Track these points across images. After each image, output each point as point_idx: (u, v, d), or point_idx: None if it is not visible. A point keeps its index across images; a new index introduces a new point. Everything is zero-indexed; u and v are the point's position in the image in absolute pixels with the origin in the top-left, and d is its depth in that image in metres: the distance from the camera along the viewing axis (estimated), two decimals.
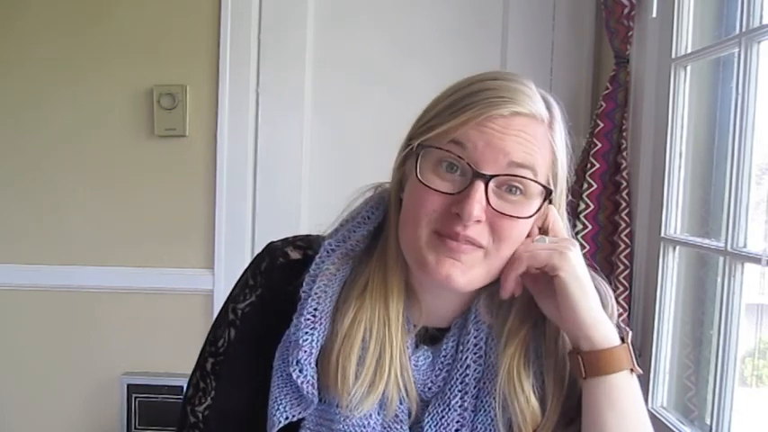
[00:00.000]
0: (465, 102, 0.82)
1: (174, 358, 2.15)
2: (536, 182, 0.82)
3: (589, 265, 0.91)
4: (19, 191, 2.29)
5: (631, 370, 0.84)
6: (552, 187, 0.85)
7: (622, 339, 0.84)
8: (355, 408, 0.84)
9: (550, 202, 0.86)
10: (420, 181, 0.82)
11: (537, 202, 0.83)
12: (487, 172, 0.80)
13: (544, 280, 0.85)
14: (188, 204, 2.27)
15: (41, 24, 2.24)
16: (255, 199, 2.29)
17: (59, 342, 2.29)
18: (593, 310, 0.83)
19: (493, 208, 0.81)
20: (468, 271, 0.82)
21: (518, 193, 0.82)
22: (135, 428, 2.22)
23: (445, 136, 0.81)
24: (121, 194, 2.27)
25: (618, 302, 0.88)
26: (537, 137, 0.82)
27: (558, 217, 0.87)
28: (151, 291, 2.27)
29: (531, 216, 0.83)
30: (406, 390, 0.86)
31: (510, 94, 0.82)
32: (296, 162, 2.29)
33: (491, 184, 0.80)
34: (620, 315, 1.06)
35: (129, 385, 2.21)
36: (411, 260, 0.85)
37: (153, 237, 2.27)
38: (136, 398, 2.20)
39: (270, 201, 2.28)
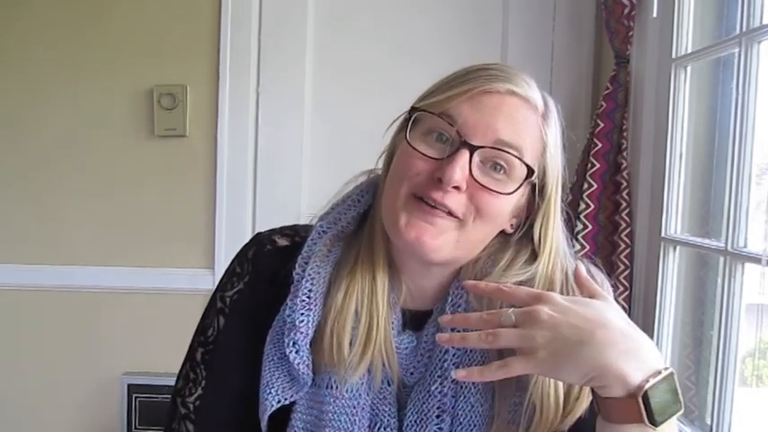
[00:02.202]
0: (463, 78, 0.85)
1: (174, 358, 2.12)
2: (521, 160, 0.83)
3: (592, 263, 0.91)
4: (19, 191, 2.28)
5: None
6: (538, 174, 0.85)
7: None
8: (349, 376, 0.85)
9: (540, 192, 0.86)
10: (408, 143, 0.83)
11: (523, 187, 0.85)
12: (474, 143, 0.81)
13: None
14: (188, 204, 2.27)
15: (42, 25, 2.24)
16: (255, 199, 2.28)
17: (60, 342, 2.29)
18: (609, 357, 0.74)
19: (475, 179, 0.82)
20: (438, 235, 0.82)
21: (502, 171, 0.83)
22: (135, 428, 2.22)
23: (439, 106, 0.83)
24: (122, 194, 2.27)
25: (618, 302, 0.85)
26: (528, 121, 0.84)
27: (589, 281, 0.83)
28: (152, 291, 2.27)
29: (511, 192, 0.83)
30: (389, 362, 0.86)
31: (508, 76, 0.84)
32: (296, 162, 2.29)
33: (476, 156, 0.81)
34: None
35: (129, 385, 2.21)
36: (386, 222, 0.86)
37: (153, 237, 2.27)
38: (136, 398, 2.20)
39: (270, 201, 2.28)
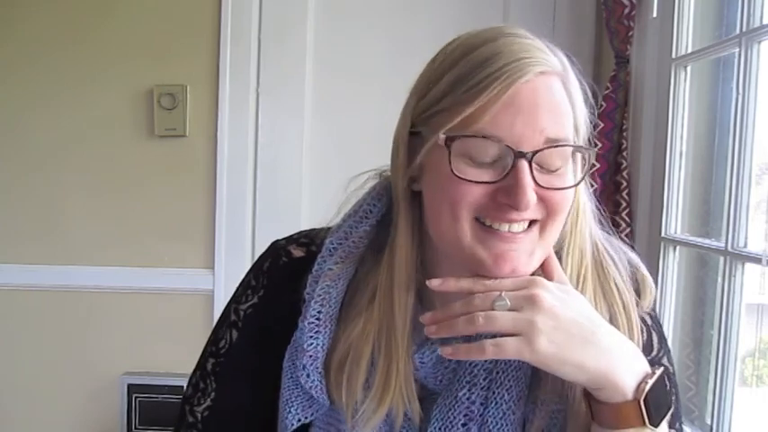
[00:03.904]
0: (482, 74, 0.74)
1: (174, 358, 2.15)
2: (572, 146, 0.76)
3: (630, 248, 0.87)
4: (19, 191, 2.28)
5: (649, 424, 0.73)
6: (577, 140, 0.79)
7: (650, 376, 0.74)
8: (365, 425, 0.80)
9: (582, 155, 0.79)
10: (457, 176, 0.74)
11: (577, 162, 0.78)
12: (527, 150, 0.73)
13: None
14: (188, 204, 2.27)
15: (42, 25, 2.24)
16: (256, 199, 2.29)
17: (59, 342, 2.29)
18: (610, 361, 0.73)
19: (541, 185, 0.74)
20: (530, 255, 0.76)
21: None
22: (135, 428, 2.21)
23: (472, 123, 0.73)
24: (121, 194, 2.27)
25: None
26: (560, 97, 0.76)
27: (558, 265, 0.80)
28: (151, 291, 2.27)
29: (577, 183, 0.78)
30: (409, 400, 0.81)
31: (527, 54, 0.75)
32: (296, 162, 2.29)
33: (533, 163, 0.74)
34: None
35: (129, 385, 2.21)
36: (462, 260, 0.78)
37: (153, 237, 2.27)
38: (136, 398, 2.20)
39: (270, 201, 2.28)
